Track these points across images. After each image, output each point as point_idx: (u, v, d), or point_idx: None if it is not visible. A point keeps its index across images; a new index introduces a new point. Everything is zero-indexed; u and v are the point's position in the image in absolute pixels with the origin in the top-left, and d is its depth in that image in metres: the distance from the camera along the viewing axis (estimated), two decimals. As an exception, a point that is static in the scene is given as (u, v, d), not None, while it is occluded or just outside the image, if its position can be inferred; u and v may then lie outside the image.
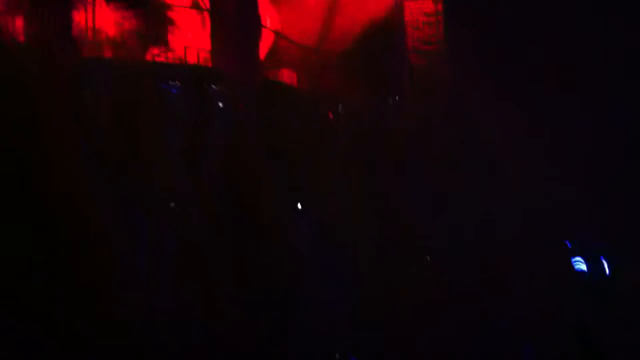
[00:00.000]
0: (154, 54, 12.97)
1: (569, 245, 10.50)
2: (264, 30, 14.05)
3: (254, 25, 13.69)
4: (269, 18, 14.28)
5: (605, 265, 10.51)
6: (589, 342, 8.97)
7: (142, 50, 12.95)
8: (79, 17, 12.51)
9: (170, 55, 13.24)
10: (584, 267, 10.54)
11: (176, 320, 10.18)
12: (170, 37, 13.25)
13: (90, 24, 12.73)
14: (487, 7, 12.49)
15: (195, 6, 13.73)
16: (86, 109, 11.18)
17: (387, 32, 14.42)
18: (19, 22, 11.93)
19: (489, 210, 10.91)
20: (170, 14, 13.21)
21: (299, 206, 12.24)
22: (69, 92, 10.78)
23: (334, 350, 10.66)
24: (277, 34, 14.32)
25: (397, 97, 14.36)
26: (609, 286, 10.16)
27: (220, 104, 12.67)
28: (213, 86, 12.73)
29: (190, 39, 13.51)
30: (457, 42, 13.84)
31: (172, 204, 11.53)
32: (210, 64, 13.43)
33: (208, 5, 13.79)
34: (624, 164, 10.92)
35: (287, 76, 13.93)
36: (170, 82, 12.49)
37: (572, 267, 10.45)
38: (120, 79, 11.71)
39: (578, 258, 10.53)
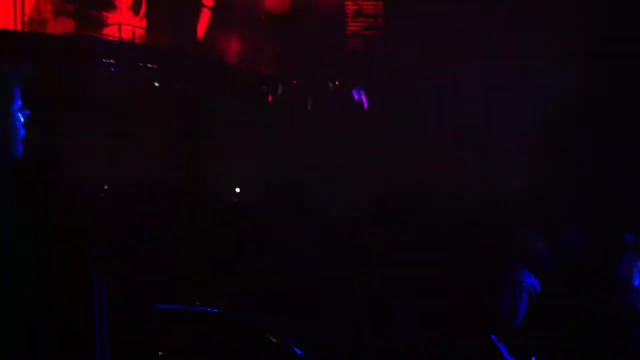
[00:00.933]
0: (87, 31, 12.61)
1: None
2: (202, 8, 13.77)
3: (191, 2, 13.42)
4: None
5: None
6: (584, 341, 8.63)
7: (76, 27, 12.57)
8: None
9: (104, 32, 12.88)
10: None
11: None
12: (104, 14, 12.89)
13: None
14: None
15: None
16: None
17: (328, 15, 14.28)
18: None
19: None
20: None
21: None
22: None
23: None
24: (215, 11, 14.02)
25: (336, 82, 14.19)
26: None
27: (156, 83, 12.29)
28: (149, 65, 12.35)
29: (125, 15, 13.16)
30: (397, 28, 13.73)
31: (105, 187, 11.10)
32: (145, 42, 13.10)
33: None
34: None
35: (226, 55, 13.65)
36: (103, 60, 12.07)
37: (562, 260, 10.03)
38: (51, 55, 11.29)
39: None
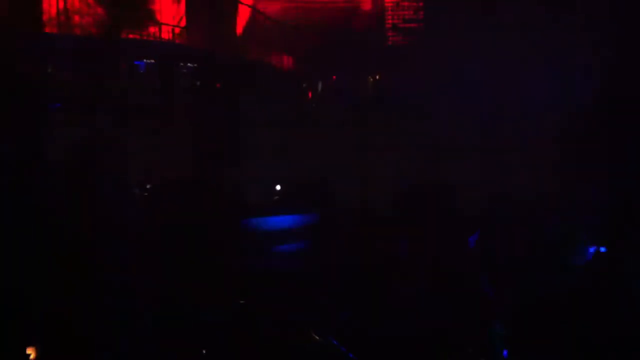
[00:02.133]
0: (127, 31, 12.69)
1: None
2: (239, 6, 13.80)
3: (229, 1, 13.45)
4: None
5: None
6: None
7: (115, 28, 12.66)
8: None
9: (144, 32, 12.95)
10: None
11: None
12: (143, 15, 12.95)
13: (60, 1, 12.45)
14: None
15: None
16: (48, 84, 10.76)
17: (367, 9, 14.27)
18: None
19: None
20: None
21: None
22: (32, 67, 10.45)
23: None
24: (254, 9, 14.06)
25: (377, 76, 14.15)
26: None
27: (197, 82, 12.37)
28: (189, 64, 12.41)
29: (165, 15, 13.24)
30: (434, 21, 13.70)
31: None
32: (184, 42, 13.17)
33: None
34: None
35: (265, 53, 13.68)
36: (142, 59, 12.16)
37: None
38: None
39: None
